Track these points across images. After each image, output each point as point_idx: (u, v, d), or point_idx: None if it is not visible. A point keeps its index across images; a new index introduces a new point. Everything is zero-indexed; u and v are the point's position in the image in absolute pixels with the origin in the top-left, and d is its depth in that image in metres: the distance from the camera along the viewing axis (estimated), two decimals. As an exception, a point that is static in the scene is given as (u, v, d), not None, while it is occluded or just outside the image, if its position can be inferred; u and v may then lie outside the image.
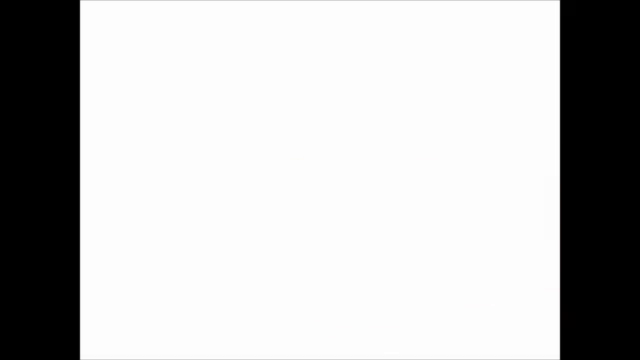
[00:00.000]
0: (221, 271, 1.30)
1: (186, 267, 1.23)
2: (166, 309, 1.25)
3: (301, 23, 1.70)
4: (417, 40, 1.44)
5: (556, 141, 1.64)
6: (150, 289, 1.22)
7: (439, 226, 1.60)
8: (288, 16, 1.70)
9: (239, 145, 1.53)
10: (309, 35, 1.58)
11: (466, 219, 1.42)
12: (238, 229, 1.19)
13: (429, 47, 1.52)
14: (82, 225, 1.12)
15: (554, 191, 1.24)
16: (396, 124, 1.57)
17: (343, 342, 1.45)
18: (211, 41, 1.53)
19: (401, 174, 1.31)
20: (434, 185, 1.28)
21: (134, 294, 1.22)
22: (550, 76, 1.71)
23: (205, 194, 1.27)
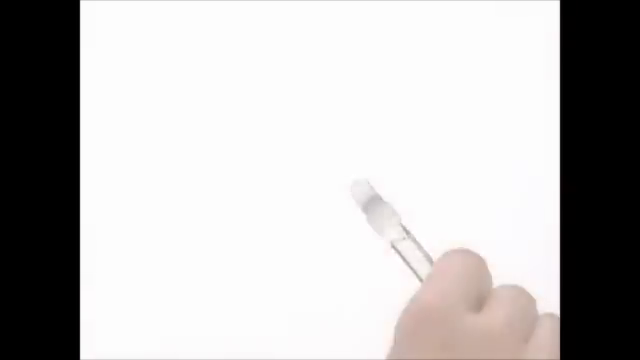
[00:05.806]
0: (221, 270, 1.31)
1: (186, 266, 1.23)
2: (166, 309, 1.26)
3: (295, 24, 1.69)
4: (415, 39, 1.45)
5: (556, 141, 1.62)
6: (150, 288, 1.24)
7: (438, 226, 1.63)
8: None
9: (239, 145, 1.54)
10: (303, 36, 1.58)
11: (465, 218, 1.43)
12: (237, 229, 1.19)
13: (426, 46, 1.52)
14: (82, 225, 1.11)
15: (554, 191, 1.24)
16: (394, 123, 1.58)
17: (341, 342, 1.46)
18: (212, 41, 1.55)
19: (399, 173, 1.31)
20: (433, 184, 1.28)
21: (135, 293, 1.23)
22: (550, 76, 1.68)
23: (204, 194, 1.28)
